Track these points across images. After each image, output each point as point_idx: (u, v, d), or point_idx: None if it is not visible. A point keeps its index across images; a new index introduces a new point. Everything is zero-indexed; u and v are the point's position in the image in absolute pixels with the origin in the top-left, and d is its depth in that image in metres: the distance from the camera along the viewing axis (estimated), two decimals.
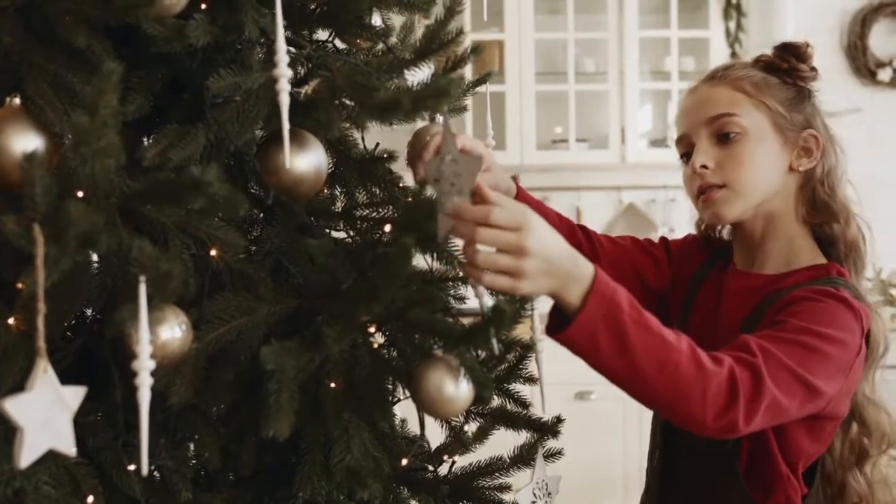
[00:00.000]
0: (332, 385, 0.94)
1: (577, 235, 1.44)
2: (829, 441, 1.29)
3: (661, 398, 1.08)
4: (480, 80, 1.28)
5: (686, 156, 1.36)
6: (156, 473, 0.97)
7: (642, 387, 1.07)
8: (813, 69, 1.35)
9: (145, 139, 0.96)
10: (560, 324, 1.03)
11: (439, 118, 0.94)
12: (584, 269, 1.03)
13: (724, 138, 1.30)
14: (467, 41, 1.18)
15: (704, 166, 1.30)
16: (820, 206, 1.32)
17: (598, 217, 4.36)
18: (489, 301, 0.95)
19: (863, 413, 1.31)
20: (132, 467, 0.91)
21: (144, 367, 0.74)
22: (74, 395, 0.75)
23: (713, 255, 1.47)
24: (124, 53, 0.88)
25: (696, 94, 1.37)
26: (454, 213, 0.95)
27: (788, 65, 1.33)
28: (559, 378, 3.20)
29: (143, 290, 0.76)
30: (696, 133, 1.32)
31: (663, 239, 1.54)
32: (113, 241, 0.80)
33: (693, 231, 1.54)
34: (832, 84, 4.11)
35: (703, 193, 1.31)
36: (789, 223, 1.33)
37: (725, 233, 1.48)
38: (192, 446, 1.00)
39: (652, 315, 1.07)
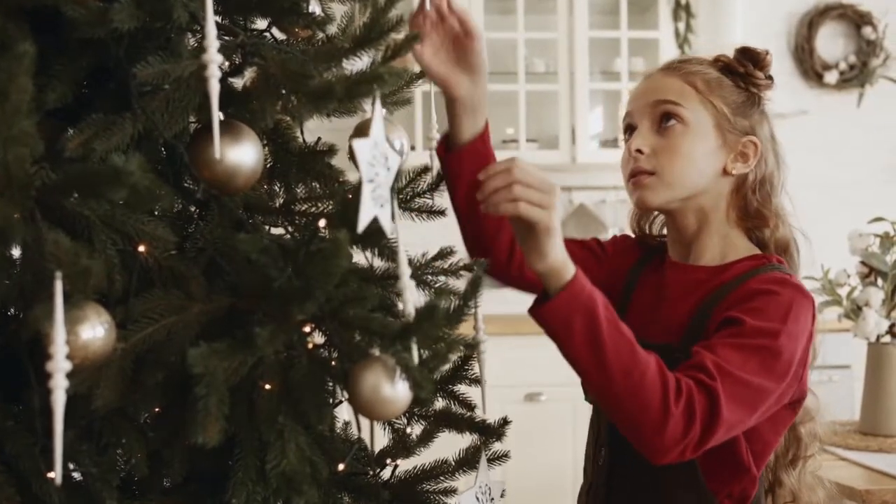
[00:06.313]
0: (267, 387, 0.90)
1: None
2: (784, 430, 1.31)
3: (623, 405, 1.09)
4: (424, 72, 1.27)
5: (630, 131, 1.37)
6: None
7: (607, 387, 1.09)
8: (769, 78, 1.38)
9: (70, 130, 0.91)
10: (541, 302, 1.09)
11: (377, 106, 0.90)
12: (571, 261, 1.09)
13: (664, 121, 1.31)
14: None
15: (640, 151, 1.32)
16: (752, 213, 1.34)
17: None
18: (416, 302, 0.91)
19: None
20: (52, 475, 0.86)
21: (59, 369, 0.69)
22: None
23: (649, 252, 1.48)
24: (47, 39, 0.83)
25: (649, 80, 1.39)
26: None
27: (745, 69, 1.36)
28: (509, 380, 3.18)
29: (59, 286, 0.71)
30: (640, 115, 1.34)
31: (594, 239, 1.55)
32: (29, 236, 0.76)
33: (628, 230, 1.56)
34: (780, 86, 4.18)
35: (633, 177, 1.33)
36: (720, 221, 1.35)
37: (656, 227, 1.49)
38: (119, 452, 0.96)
39: (627, 326, 1.10)
